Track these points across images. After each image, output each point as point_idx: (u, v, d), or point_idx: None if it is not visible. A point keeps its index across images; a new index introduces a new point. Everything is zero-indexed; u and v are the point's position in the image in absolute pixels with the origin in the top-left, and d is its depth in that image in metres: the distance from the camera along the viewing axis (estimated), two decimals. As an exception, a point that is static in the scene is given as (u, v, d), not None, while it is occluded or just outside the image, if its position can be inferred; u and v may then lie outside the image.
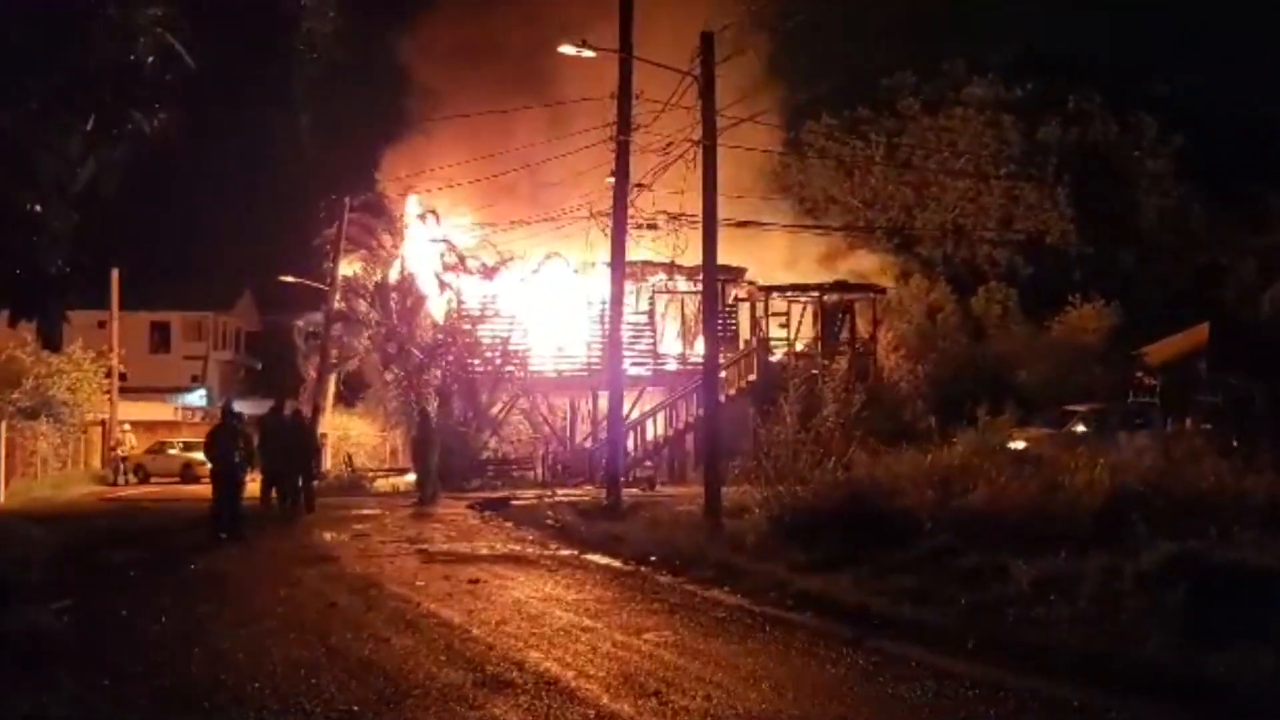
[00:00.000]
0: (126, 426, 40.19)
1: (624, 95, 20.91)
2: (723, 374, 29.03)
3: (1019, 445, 22.21)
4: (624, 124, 20.95)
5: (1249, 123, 43.09)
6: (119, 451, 38.06)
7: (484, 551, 16.03)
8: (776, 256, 37.15)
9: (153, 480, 37.94)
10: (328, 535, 18.40)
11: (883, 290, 36.06)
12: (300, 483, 22.13)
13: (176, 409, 52.11)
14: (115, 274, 42.93)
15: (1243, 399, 26.55)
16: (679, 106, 19.97)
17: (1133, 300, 37.66)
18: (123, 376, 43.11)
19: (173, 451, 39.82)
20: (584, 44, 21.09)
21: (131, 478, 37.70)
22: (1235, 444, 19.88)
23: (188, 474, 36.59)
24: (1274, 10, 42.98)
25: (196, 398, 55.45)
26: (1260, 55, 41.28)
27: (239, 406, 21.21)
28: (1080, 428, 25.85)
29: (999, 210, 41.37)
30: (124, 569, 14.38)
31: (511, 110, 31.56)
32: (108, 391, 40.37)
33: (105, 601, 11.86)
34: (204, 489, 19.73)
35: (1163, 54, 42.81)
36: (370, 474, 32.91)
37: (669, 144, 21.15)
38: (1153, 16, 43.25)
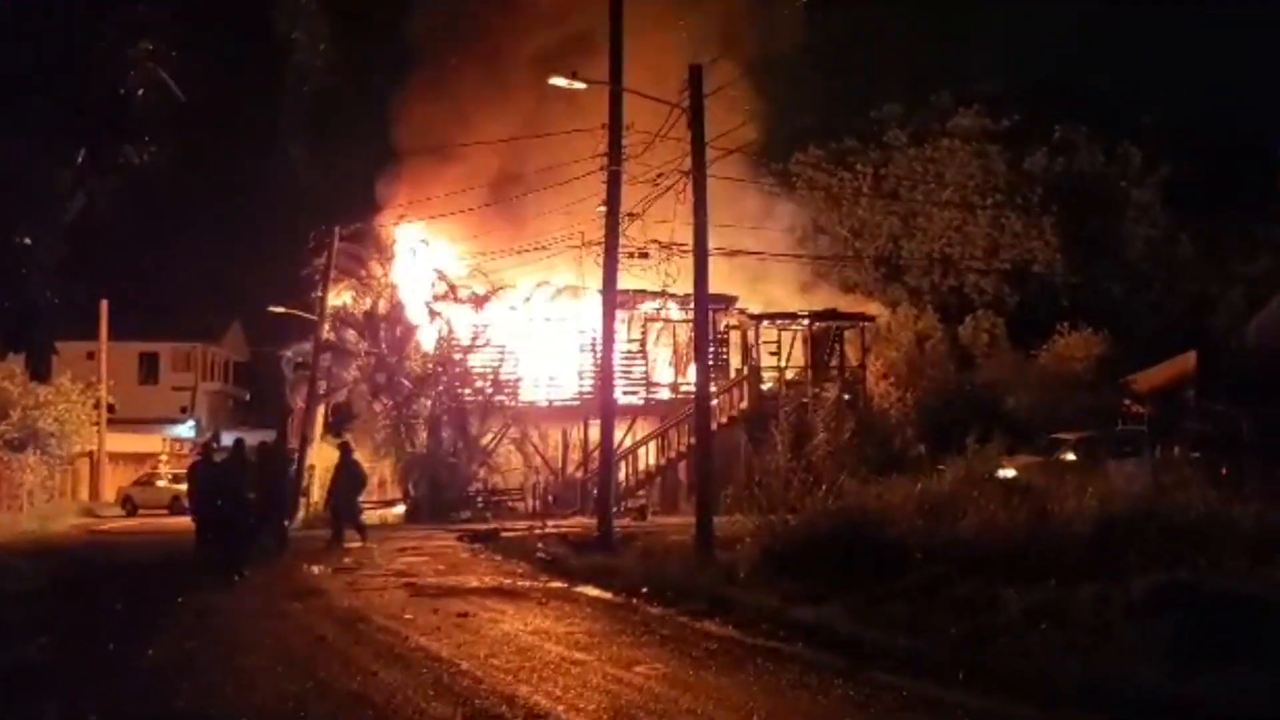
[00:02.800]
0: (164, 456, 40.19)
1: (614, 126, 21.02)
2: (714, 402, 29.05)
3: (1008, 474, 22.23)
4: (615, 155, 21.05)
5: (1235, 151, 43.37)
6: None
7: (473, 584, 15.95)
8: (780, 286, 37.36)
9: (141, 513, 37.73)
10: (315, 569, 18.31)
11: (872, 318, 36.14)
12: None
13: (165, 440, 51.95)
14: (104, 305, 42.90)
15: (1231, 427, 26.62)
16: (669, 138, 20.07)
17: (1121, 328, 37.74)
18: (111, 408, 42.97)
19: (161, 483, 39.62)
20: (574, 76, 21.24)
21: (118, 510, 37.54)
22: (1224, 472, 19.93)
23: (176, 506, 36.40)
24: (1256, 39, 43.30)
25: (185, 429, 55.28)
26: (1244, 84, 41.61)
27: (227, 438, 21.03)
28: (1069, 456, 25.85)
29: (985, 240, 41.53)
30: (111, 603, 14.28)
31: (504, 140, 31.73)
32: (96, 423, 40.21)
33: (92, 635, 11.77)
34: (191, 521, 19.57)
35: (1149, 83, 43.07)
36: (358, 505, 32.73)
37: (659, 174, 21.25)
38: (1138, 46, 43.59)
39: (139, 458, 45.88)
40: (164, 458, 40.44)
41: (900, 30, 40.78)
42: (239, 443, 20.23)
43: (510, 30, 38.58)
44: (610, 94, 20.98)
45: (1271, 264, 39.57)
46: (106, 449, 42.79)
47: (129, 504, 38.84)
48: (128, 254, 45.96)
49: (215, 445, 19.94)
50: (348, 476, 23.24)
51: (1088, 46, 42.39)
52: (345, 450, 24.25)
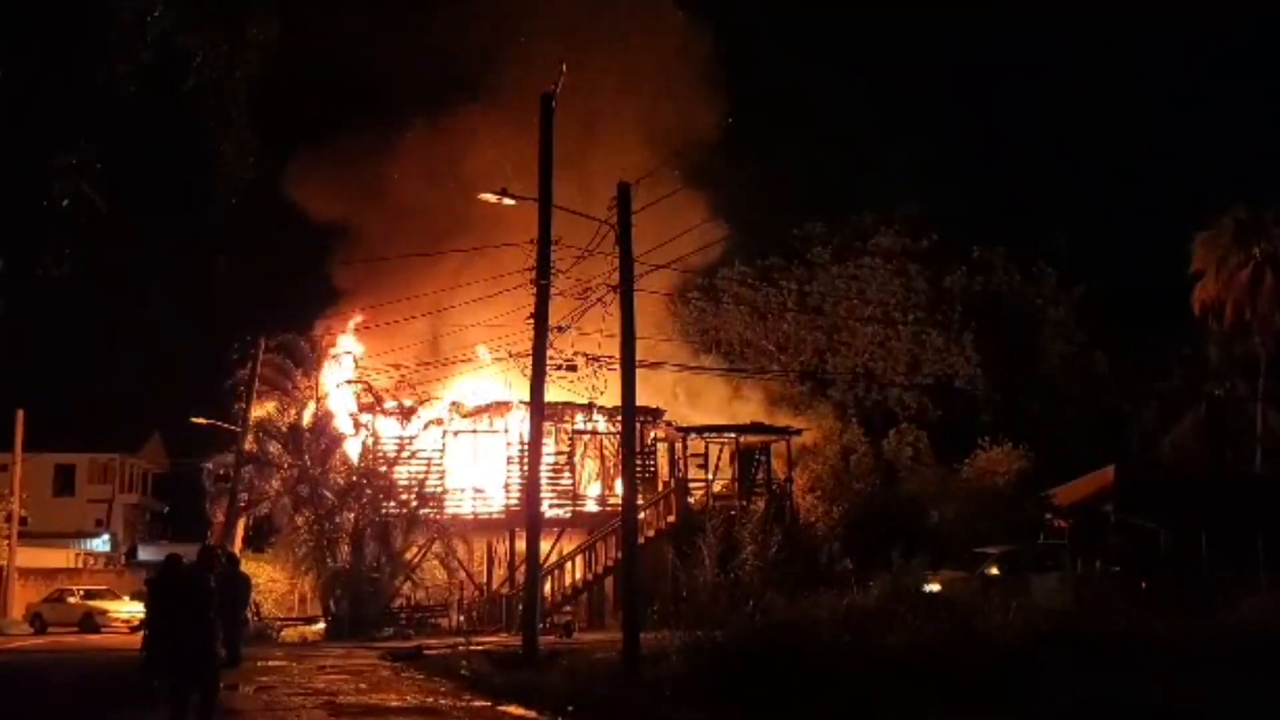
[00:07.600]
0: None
1: (543, 241, 21.24)
2: (642, 515, 28.95)
3: (934, 588, 22.36)
4: (543, 269, 21.22)
5: (1147, 272, 44.76)
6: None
7: (395, 704, 15.60)
8: (707, 399, 37.59)
9: (50, 630, 36.37)
10: (230, 688, 17.75)
11: (798, 432, 36.36)
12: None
13: (78, 554, 50.46)
14: (20, 415, 41.97)
15: (1148, 541, 27.07)
16: (598, 253, 20.33)
17: (1041, 443, 38.37)
18: (23, 521, 41.76)
19: (73, 600, 38.28)
20: (504, 192, 21.53)
21: (26, 628, 36.21)
22: (1143, 586, 20.23)
23: (88, 624, 35.21)
24: (1164, 164, 45.27)
25: (100, 542, 53.80)
26: (1157, 204, 43.26)
27: (143, 552, 20.45)
28: (993, 570, 26.09)
29: (907, 355, 42.28)
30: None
31: (432, 253, 31.88)
32: (6, 537, 39.06)
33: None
34: (104, 639, 18.91)
35: (1063, 206, 44.78)
36: (278, 622, 31.96)
37: (586, 288, 21.45)
38: (1051, 171, 45.36)
39: (50, 573, 44.41)
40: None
41: (822, 152, 41.89)
42: (207, 550, 18.81)
43: (442, 141, 39.04)
44: (539, 211, 21.24)
45: (1184, 381, 40.73)
46: (16, 564, 41.43)
47: (38, 621, 37.47)
48: (45, 364, 45.20)
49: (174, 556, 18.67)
50: (240, 589, 22.74)
51: (1005, 170, 43.88)
52: (233, 562, 23.92)
